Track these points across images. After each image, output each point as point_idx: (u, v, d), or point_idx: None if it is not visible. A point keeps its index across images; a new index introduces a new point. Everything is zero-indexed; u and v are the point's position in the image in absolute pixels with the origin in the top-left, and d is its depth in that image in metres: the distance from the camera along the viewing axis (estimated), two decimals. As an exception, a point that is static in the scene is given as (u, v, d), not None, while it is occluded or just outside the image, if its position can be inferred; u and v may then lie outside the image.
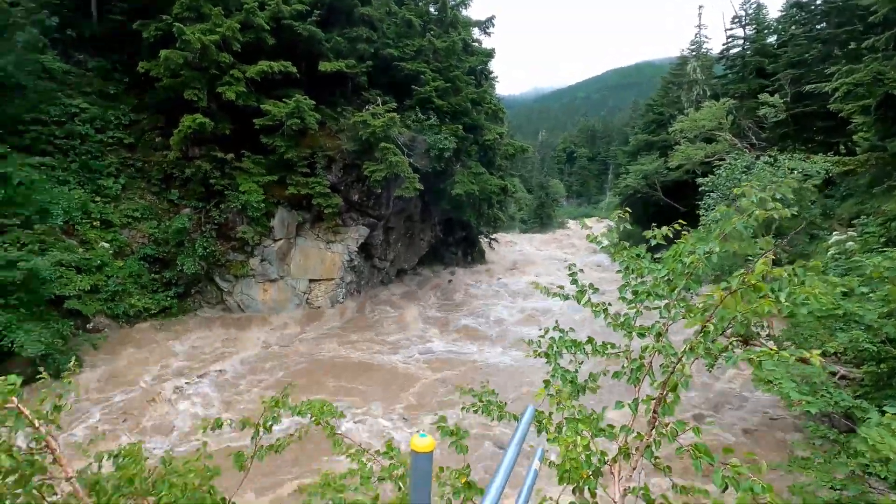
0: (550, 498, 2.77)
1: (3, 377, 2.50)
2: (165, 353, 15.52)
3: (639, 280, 2.96)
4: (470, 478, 2.86)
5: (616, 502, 2.52)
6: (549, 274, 31.67)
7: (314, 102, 19.37)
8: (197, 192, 19.25)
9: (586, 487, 2.46)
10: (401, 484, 3.17)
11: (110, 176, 18.59)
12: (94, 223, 17.17)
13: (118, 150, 19.22)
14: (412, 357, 16.69)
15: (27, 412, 2.56)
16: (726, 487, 1.91)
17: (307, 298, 20.90)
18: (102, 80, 19.89)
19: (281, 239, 20.24)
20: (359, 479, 3.30)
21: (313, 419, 3.69)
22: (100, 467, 3.13)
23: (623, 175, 42.21)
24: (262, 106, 18.70)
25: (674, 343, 2.61)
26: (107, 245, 17.00)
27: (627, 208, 3.23)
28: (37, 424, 2.60)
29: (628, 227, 3.55)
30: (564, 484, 2.47)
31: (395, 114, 20.38)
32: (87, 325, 15.31)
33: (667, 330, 2.66)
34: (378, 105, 21.36)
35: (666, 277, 2.69)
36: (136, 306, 16.61)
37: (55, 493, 2.82)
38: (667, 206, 34.88)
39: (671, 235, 2.97)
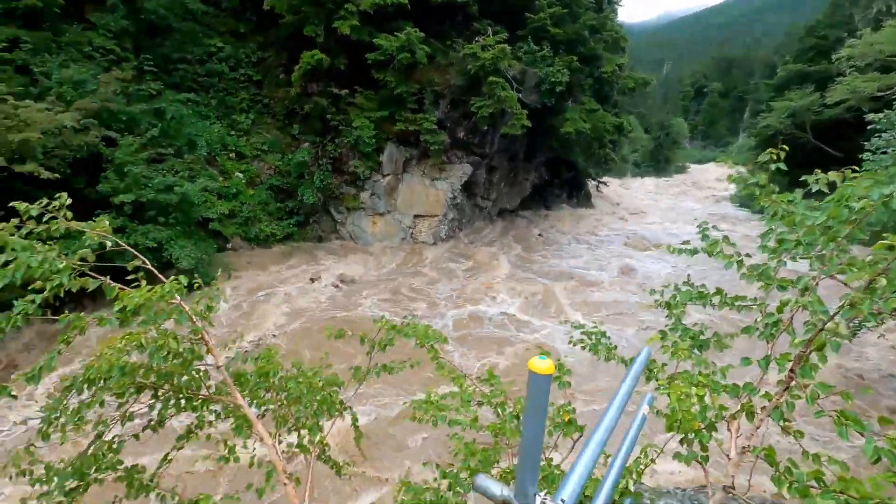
0: (656, 446, 2.69)
1: (173, 278, 2.94)
2: (288, 272, 17.31)
3: (785, 229, 2.57)
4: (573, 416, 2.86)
5: (730, 458, 2.36)
6: (662, 222, 29.46)
7: (424, 35, 19.08)
8: (315, 127, 20.42)
9: (697, 440, 2.33)
10: (499, 410, 3.28)
11: (242, 112, 20.34)
12: (230, 155, 19.14)
13: (248, 86, 20.84)
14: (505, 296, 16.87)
15: (188, 309, 3.01)
16: (878, 460, 1.68)
17: (412, 233, 21.76)
18: (234, 20, 21.33)
19: (389, 174, 20.99)
20: (459, 401, 3.46)
21: (418, 342, 3.91)
22: (244, 361, 3.64)
23: (763, 114, 36.68)
24: (374, 40, 18.86)
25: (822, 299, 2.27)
26: (241, 175, 18.95)
27: (783, 145, 2.74)
28: (195, 320, 3.06)
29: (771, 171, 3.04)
30: (673, 433, 2.36)
31: (505, 45, 19.41)
32: (227, 245, 17.53)
33: (817, 284, 2.31)
34: (488, 36, 20.44)
35: (825, 225, 2.30)
36: (264, 231, 18.58)
37: (209, 378, 3.36)
38: (815, 150, 29.95)
39: (837, 181, 2.48)
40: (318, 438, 3.50)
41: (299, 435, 3.70)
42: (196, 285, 3.48)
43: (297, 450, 3.61)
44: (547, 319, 14.86)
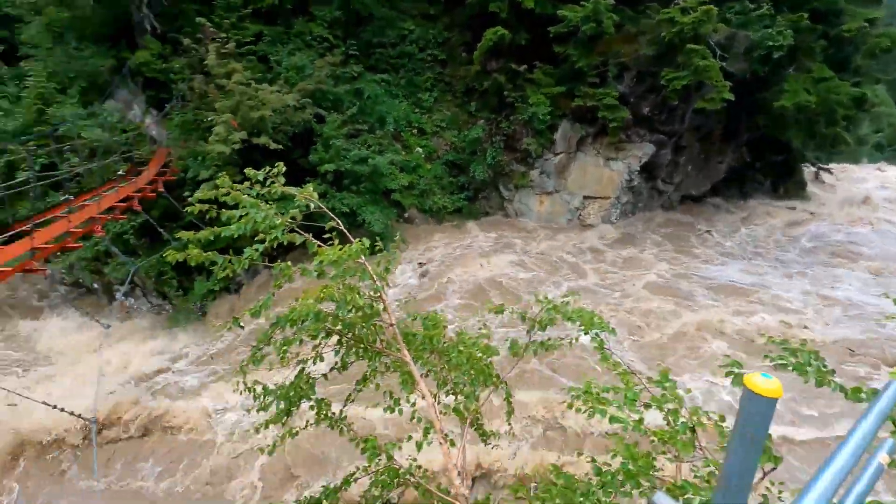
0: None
1: (358, 239, 3.28)
2: (456, 243, 18.14)
3: None
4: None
5: None
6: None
7: (613, 2, 17.66)
8: (491, 104, 20.73)
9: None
10: (671, 418, 2.93)
11: (426, 90, 21.65)
12: (413, 131, 20.64)
13: (433, 66, 22.04)
14: (690, 292, 15.09)
15: (370, 268, 3.33)
16: None
17: (579, 214, 20.89)
18: (426, 3, 22.60)
19: (561, 153, 20.32)
20: (623, 398, 3.19)
21: (583, 328, 3.71)
22: (413, 319, 3.92)
23: None
24: (558, 12, 18.15)
25: None
26: (420, 150, 20.36)
27: None
28: (375, 279, 3.38)
29: None
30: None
31: (711, 6, 16.85)
32: (405, 215, 19.15)
33: None
34: (691, -4, 17.97)
35: None
36: (437, 203, 19.76)
37: (383, 333, 3.70)
38: None
39: None
40: (473, 407, 3.61)
41: (456, 399, 3.86)
42: (378, 248, 3.81)
43: (453, 413, 3.79)
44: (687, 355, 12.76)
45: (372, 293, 3.38)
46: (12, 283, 14.18)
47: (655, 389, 3.09)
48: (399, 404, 3.72)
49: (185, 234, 3.46)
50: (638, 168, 20.58)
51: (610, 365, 3.46)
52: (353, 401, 4.26)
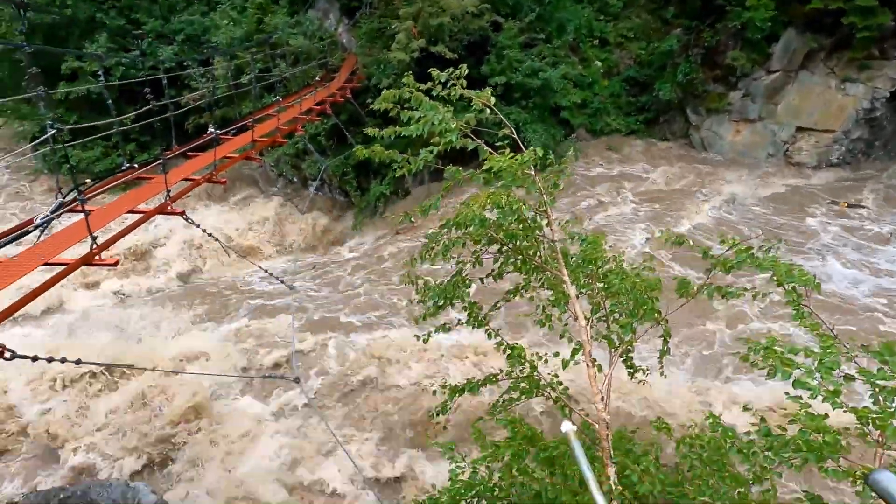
0: None
1: (532, 148, 3.17)
2: (629, 170, 16.68)
3: None
4: None
5: None
6: None
7: None
8: (693, 7, 17.55)
9: None
10: (882, 396, 2.43)
11: (617, -8, 19.13)
12: (594, 42, 18.71)
13: (629, -39, 19.17)
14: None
15: (539, 181, 3.24)
16: None
17: (786, 150, 17.34)
18: None
19: (777, 71, 16.64)
20: (816, 363, 2.73)
21: (775, 279, 3.18)
22: (571, 241, 3.79)
23: None
24: None
25: None
26: (599, 64, 18.51)
27: None
28: (543, 193, 3.29)
29: None
30: None
31: None
32: (572, 135, 18.07)
33: None
34: None
35: None
36: (609, 125, 18.16)
37: (543, 248, 3.66)
38: None
39: None
40: (627, 338, 3.46)
41: (608, 328, 3.74)
42: (549, 162, 3.65)
43: (603, 340, 3.69)
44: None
45: (539, 207, 3.32)
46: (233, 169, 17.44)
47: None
48: (550, 320, 3.74)
49: (371, 130, 3.73)
50: (887, 94, 15.95)
51: (806, 325, 2.95)
52: (498, 307, 4.43)
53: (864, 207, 14.45)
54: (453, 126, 3.49)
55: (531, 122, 15.34)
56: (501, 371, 4.21)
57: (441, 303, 4.05)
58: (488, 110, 3.61)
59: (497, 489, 3.70)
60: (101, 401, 8.06)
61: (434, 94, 3.62)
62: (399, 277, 11.39)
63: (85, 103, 16.23)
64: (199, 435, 7.68)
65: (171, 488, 6.94)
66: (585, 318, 3.50)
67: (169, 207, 4.90)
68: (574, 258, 3.80)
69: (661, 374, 4.08)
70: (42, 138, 3.72)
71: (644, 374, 4.04)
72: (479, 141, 3.54)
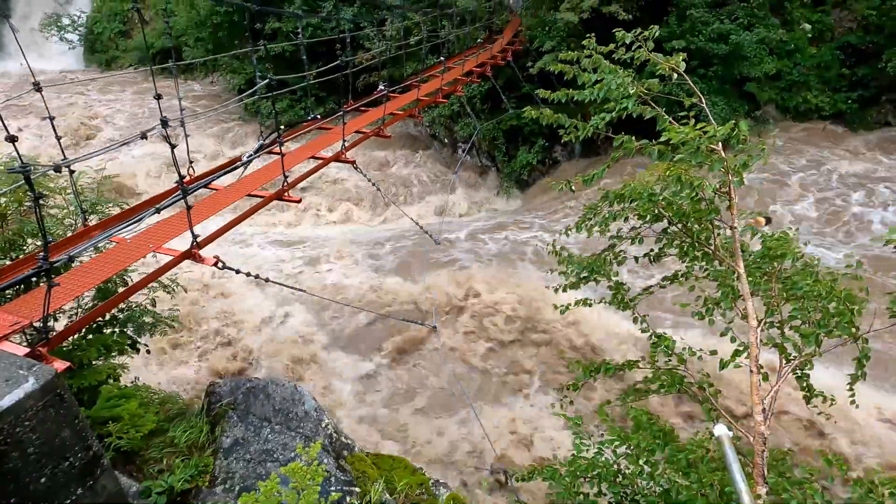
0: None
1: (729, 123, 2.79)
2: (834, 162, 13.95)
3: None
4: None
5: None
6: None
7: None
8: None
9: None
10: None
11: (848, -64, 15.54)
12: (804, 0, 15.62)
13: None
14: None
15: (726, 158, 2.86)
16: None
17: None
18: None
19: None
20: None
21: None
22: (753, 234, 3.32)
23: None
24: None
25: None
26: (808, 27, 15.47)
27: None
28: (728, 172, 2.90)
29: None
30: None
31: None
32: (754, 112, 15.60)
33: None
34: None
35: None
36: (809, 103, 15.25)
37: (715, 233, 3.27)
38: None
39: None
40: (808, 351, 2.98)
41: (783, 334, 3.25)
42: (741, 138, 3.20)
43: (774, 347, 3.23)
44: None
45: (721, 187, 2.95)
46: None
47: None
48: (712, 314, 3.38)
49: (542, 92, 3.63)
50: None
51: None
52: (651, 293, 4.12)
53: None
54: (632, 92, 3.23)
55: (709, 94, 13.58)
56: (643, 359, 3.97)
57: (585, 275, 3.90)
58: (674, 76, 3.26)
59: (620, 475, 3.58)
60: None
61: (616, 56, 3.37)
62: (534, 248, 11.29)
63: (280, 60, 18.51)
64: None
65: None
66: (757, 319, 3.09)
67: (343, 156, 5.44)
68: (752, 253, 3.35)
69: (852, 402, 3.39)
70: (256, 87, 4.33)
71: (828, 401, 3.40)
72: (658, 109, 3.23)
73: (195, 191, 4.11)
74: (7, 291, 3.21)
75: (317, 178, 14.38)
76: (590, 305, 4.20)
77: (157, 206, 3.74)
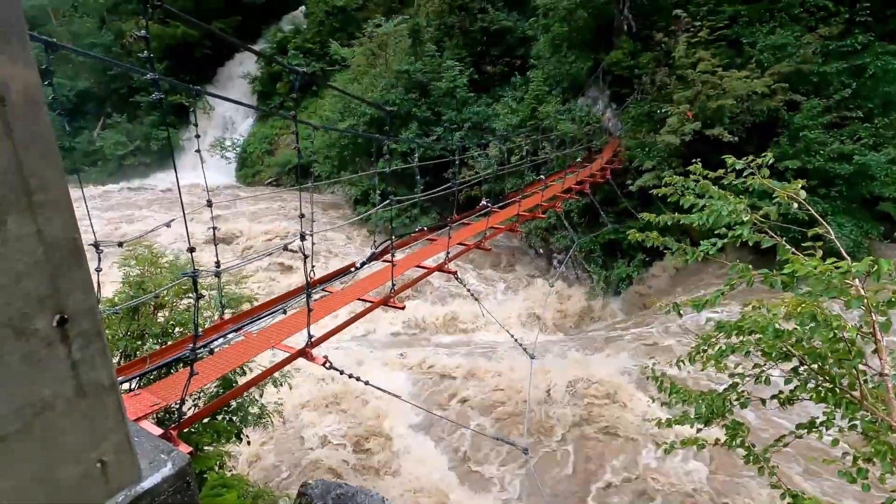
0: None
1: (868, 259, 2.56)
2: None
3: None
4: None
5: None
6: None
7: None
8: None
9: None
10: None
11: None
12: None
13: None
14: None
15: (866, 295, 2.58)
16: None
17: None
18: None
19: None
20: None
21: None
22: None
23: None
24: None
25: None
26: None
27: None
28: (871, 311, 2.60)
29: None
30: None
31: None
32: (894, 234, 14.00)
33: None
34: None
35: None
36: (964, 225, 13.41)
37: (861, 379, 2.85)
38: None
39: None
40: None
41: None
42: (875, 272, 2.91)
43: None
44: None
45: (863, 327, 2.63)
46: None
47: None
48: (866, 477, 2.82)
49: (646, 216, 3.66)
50: None
51: None
52: (785, 445, 3.56)
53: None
54: (746, 219, 3.14)
55: (834, 215, 12.58)
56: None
57: (702, 416, 3.51)
58: (795, 204, 3.14)
59: None
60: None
61: (725, 182, 3.36)
62: (624, 368, 10.47)
63: (393, 175, 20.74)
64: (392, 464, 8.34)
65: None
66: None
67: (446, 266, 5.75)
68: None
69: None
70: (382, 205, 4.87)
71: None
72: (778, 238, 3.08)
73: (315, 293, 4.55)
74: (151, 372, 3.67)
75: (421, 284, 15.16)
76: (702, 447, 3.73)
77: (283, 305, 4.18)
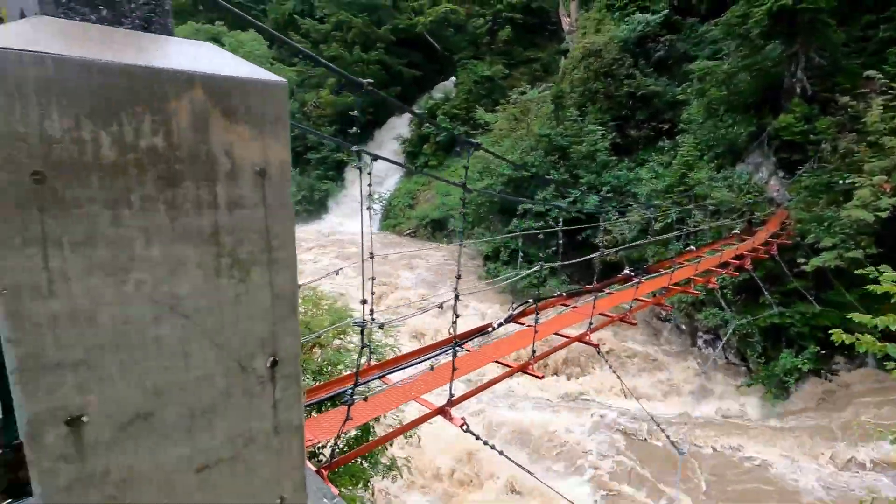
0: None
1: None
2: None
3: None
4: None
5: None
6: None
7: None
8: None
9: None
10: None
11: None
12: None
13: None
14: None
15: None
16: None
17: None
18: None
19: None
20: None
21: None
22: None
23: None
24: None
25: None
26: None
27: None
28: None
29: None
30: None
31: None
32: None
33: None
34: None
35: None
36: None
37: None
38: None
39: None
40: None
41: None
42: None
43: None
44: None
45: None
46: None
47: None
48: None
49: (857, 316, 3.01)
50: None
51: None
52: None
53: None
54: None
55: None
56: None
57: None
58: None
59: None
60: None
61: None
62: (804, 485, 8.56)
63: (526, 238, 20.81)
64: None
65: None
66: None
67: (588, 338, 5.42)
68: None
69: None
70: (533, 269, 4.84)
71: None
72: None
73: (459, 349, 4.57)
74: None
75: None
76: None
77: (425, 357, 4.27)
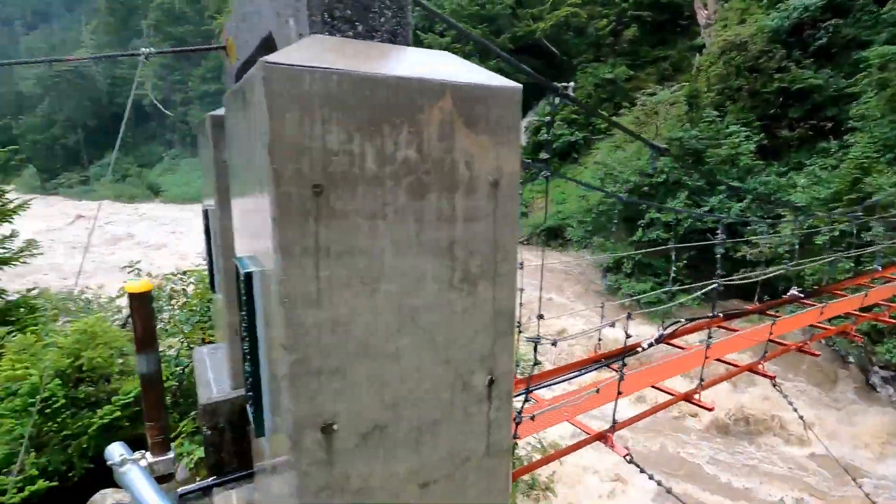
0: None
1: None
2: None
3: None
4: None
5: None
6: None
7: None
8: None
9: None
10: None
11: None
12: None
13: None
14: None
15: None
16: None
17: None
18: None
19: None
20: None
21: None
22: None
23: None
24: None
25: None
26: None
27: None
28: None
29: None
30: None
31: None
32: None
33: None
34: None
35: None
36: None
37: None
38: None
39: None
40: None
41: None
42: None
43: None
44: None
45: None
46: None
47: None
48: None
49: None
50: None
51: None
52: None
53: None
54: None
55: None
56: None
57: None
58: None
59: None
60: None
61: None
62: None
63: (649, 244, 19.32)
64: None
65: None
66: None
67: (762, 368, 4.73)
68: None
69: None
70: (708, 287, 4.38)
71: None
72: None
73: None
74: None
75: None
76: None
77: (574, 373, 4.03)
